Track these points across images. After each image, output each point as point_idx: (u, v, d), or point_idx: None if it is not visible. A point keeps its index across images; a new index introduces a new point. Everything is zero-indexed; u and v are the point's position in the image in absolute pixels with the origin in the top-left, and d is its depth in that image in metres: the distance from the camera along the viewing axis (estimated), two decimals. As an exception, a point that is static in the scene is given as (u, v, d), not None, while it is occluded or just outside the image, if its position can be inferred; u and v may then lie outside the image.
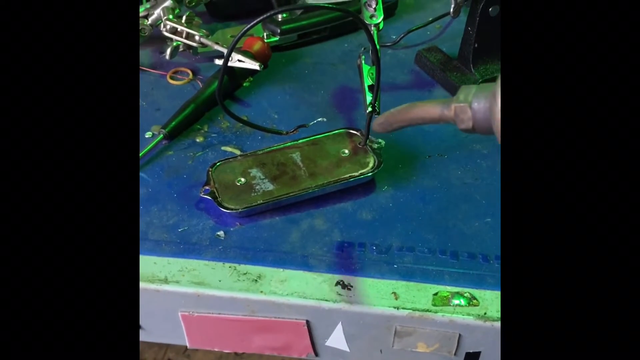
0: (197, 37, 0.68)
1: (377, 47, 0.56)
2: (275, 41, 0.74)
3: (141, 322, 0.50)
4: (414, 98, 0.66)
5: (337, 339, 0.48)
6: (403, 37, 0.75)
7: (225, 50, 0.63)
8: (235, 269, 0.48)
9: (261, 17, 0.53)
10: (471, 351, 0.47)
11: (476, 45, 0.65)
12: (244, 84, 0.69)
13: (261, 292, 0.46)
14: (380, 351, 0.49)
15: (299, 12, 0.78)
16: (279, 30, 0.74)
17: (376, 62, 0.53)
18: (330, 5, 0.57)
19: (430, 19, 0.76)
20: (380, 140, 0.56)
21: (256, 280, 0.47)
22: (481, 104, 0.34)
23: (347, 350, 0.49)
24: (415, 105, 0.37)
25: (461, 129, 0.36)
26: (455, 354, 0.47)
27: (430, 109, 0.36)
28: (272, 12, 0.52)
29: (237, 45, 0.69)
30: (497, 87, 0.33)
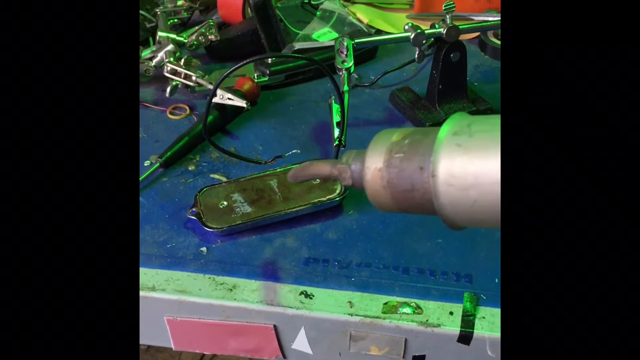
0: (193, 78, 0.77)
1: (347, 88, 0.64)
2: (265, 81, 0.83)
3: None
4: (386, 133, 0.74)
5: (301, 343, 0.55)
6: (380, 78, 0.83)
7: (218, 90, 0.72)
8: (213, 280, 0.55)
9: (243, 62, 0.62)
10: (417, 354, 0.53)
11: (440, 86, 0.73)
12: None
13: (235, 299, 0.53)
14: (339, 354, 0.55)
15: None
16: (268, 71, 0.82)
17: (340, 102, 0.61)
18: (305, 53, 0.66)
19: (404, 62, 0.85)
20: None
21: (231, 290, 0.54)
22: (357, 166, 0.41)
23: (311, 353, 0.56)
24: (313, 163, 0.45)
25: (343, 184, 0.43)
26: (403, 357, 0.54)
27: (323, 167, 0.44)
28: (253, 58, 0.61)
29: (229, 85, 0.78)
30: (367, 153, 0.40)
